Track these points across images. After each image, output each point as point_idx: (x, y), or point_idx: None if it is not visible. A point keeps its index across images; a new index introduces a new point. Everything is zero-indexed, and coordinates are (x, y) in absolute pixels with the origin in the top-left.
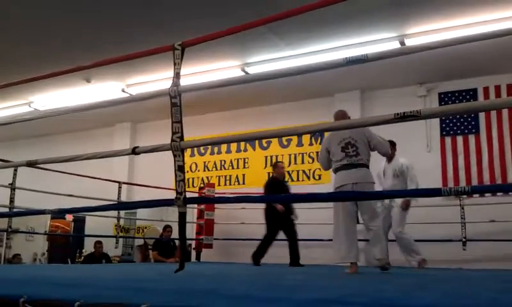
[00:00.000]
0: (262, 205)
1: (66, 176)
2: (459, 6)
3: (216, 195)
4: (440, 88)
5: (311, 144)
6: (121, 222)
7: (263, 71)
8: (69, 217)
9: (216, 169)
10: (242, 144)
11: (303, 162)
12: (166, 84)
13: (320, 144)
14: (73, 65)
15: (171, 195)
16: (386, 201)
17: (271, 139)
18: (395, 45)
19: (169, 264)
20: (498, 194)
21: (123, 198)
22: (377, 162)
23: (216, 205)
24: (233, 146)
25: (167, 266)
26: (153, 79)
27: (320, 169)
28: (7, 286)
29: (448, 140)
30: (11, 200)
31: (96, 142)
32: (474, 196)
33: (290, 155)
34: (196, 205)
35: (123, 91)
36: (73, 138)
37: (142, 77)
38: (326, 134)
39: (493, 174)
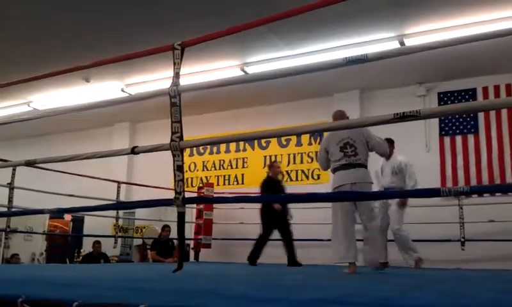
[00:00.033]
0: (260, 205)
1: (65, 175)
2: (457, 6)
3: (215, 195)
4: (439, 88)
5: (310, 143)
6: (120, 222)
7: (262, 71)
8: (67, 217)
9: (215, 169)
10: (241, 143)
11: (301, 162)
12: (165, 84)
13: (319, 143)
14: (73, 65)
15: (170, 195)
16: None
17: (270, 139)
18: (395, 44)
19: (168, 264)
20: (497, 194)
21: (122, 198)
22: (375, 161)
23: (215, 205)
24: (232, 145)
25: (165, 266)
26: (153, 79)
27: (319, 168)
28: (5, 286)
29: (447, 140)
30: (10, 200)
31: (95, 142)
32: (473, 195)
33: (289, 154)
34: (194, 205)
35: (122, 90)
36: (72, 138)
37: (141, 76)
38: (325, 134)
39: (492, 174)
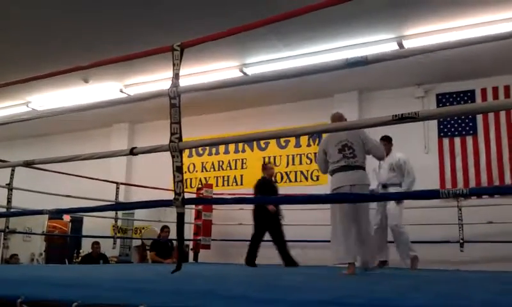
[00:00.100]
0: (253, 205)
1: (63, 176)
2: (456, 8)
3: (214, 196)
4: (437, 89)
5: (309, 145)
6: (119, 222)
7: (261, 72)
8: (66, 218)
9: (214, 170)
10: (240, 144)
11: (300, 163)
12: (165, 85)
13: (318, 145)
14: (72, 65)
15: (169, 196)
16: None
17: (269, 140)
18: (393, 46)
19: (167, 265)
20: (496, 195)
21: (121, 199)
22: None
23: (214, 206)
24: (231, 146)
25: (164, 267)
26: (151, 80)
27: (318, 170)
28: (4, 286)
29: (446, 141)
30: (9, 200)
31: (94, 143)
32: (472, 197)
33: (288, 155)
34: (193, 206)
35: (121, 91)
36: (70, 138)
37: (140, 77)
38: (324, 136)
39: (491, 176)
